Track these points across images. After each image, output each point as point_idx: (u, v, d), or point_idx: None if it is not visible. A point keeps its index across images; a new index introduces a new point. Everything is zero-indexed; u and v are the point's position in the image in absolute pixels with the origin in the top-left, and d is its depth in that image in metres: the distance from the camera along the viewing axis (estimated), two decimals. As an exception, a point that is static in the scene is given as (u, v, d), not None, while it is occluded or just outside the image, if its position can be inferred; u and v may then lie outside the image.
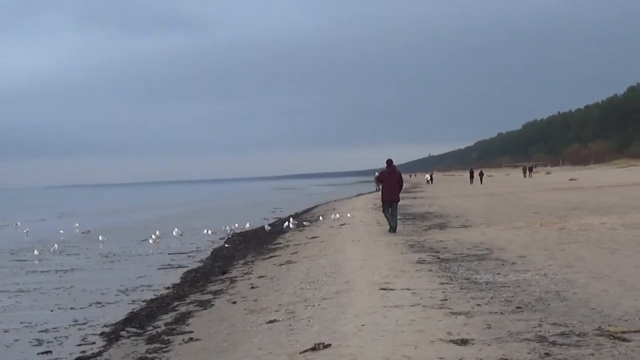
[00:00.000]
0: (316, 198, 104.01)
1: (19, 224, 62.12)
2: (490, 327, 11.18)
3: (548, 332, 10.79)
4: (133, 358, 13.95)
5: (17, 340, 16.71)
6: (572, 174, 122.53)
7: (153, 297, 21.86)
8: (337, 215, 45.72)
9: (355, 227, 35.06)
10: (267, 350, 11.41)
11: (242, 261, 28.15)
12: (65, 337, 16.79)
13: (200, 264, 29.52)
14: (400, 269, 18.36)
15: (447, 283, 15.90)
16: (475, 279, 16.45)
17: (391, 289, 15.21)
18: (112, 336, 16.35)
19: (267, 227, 43.83)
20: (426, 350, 9.86)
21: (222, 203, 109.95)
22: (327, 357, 9.97)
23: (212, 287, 21.88)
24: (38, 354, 15.33)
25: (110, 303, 21.20)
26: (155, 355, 13.85)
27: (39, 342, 16.29)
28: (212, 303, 18.84)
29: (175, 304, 19.86)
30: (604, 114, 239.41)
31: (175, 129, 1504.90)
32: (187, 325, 16.30)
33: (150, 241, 39.94)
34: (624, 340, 10.18)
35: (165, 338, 15.20)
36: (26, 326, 18.14)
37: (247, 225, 48.25)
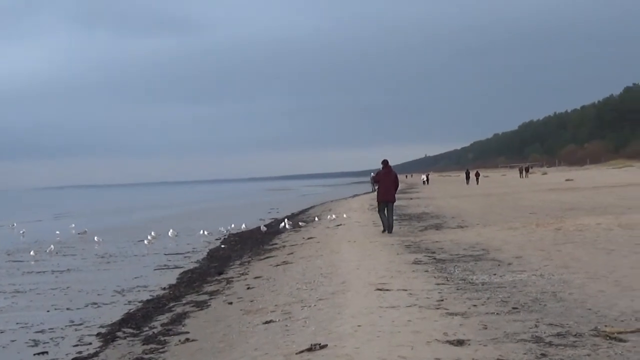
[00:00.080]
0: (312, 199, 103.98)
1: (15, 224, 62.15)
2: (486, 328, 11.19)
3: (544, 332, 10.80)
4: (129, 359, 13.94)
5: (13, 341, 16.69)
6: (568, 175, 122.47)
7: (149, 297, 21.84)
8: (333, 216, 45.71)
9: (352, 228, 35.07)
10: (264, 350, 11.42)
11: (238, 262, 28.15)
12: (62, 337, 16.76)
13: (196, 265, 29.49)
14: (397, 270, 18.36)
15: (443, 284, 15.92)
16: (472, 279, 16.46)
17: (387, 290, 15.22)
18: (109, 337, 16.32)
19: (263, 228, 43.77)
20: (422, 351, 9.87)
21: (219, 204, 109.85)
22: (324, 358, 9.98)
23: (209, 288, 21.88)
24: (34, 354, 15.30)
25: (107, 304, 21.18)
26: (152, 355, 13.84)
27: (35, 343, 16.27)
28: (209, 304, 18.84)
29: (172, 304, 19.85)
30: (600, 114, 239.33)
31: (175, 130, 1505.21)
32: (183, 326, 16.29)
33: (146, 242, 39.90)
34: (620, 340, 10.20)
35: (162, 339, 15.19)
36: (22, 327, 18.12)
37: (243, 226, 48.23)
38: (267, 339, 12.35)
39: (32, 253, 35.94)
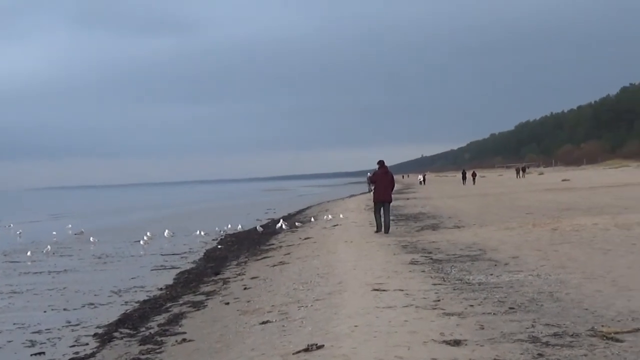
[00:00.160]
0: (309, 199, 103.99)
1: (12, 225, 62.16)
2: (483, 328, 11.19)
3: (541, 332, 10.81)
4: (126, 359, 13.95)
5: (10, 341, 16.69)
6: (565, 175, 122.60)
7: (146, 298, 21.84)
8: (330, 216, 45.69)
9: (348, 228, 35.08)
10: (260, 351, 11.42)
11: (235, 262, 28.15)
12: (59, 338, 16.76)
13: (193, 265, 29.49)
14: (393, 270, 18.37)
15: (440, 284, 15.92)
16: (468, 279, 16.47)
17: (384, 290, 15.22)
18: (105, 337, 16.33)
19: (259, 229, 43.78)
20: (419, 351, 9.87)
21: (217, 204, 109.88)
22: (320, 358, 9.98)
23: (205, 288, 21.88)
24: (31, 355, 15.31)
25: (103, 304, 21.18)
26: (149, 356, 13.84)
27: (32, 343, 16.27)
28: (205, 304, 18.84)
29: (168, 305, 19.85)
30: (597, 114, 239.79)
31: (174, 130, 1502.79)
32: (180, 326, 16.29)
33: (141, 242, 39.93)
34: (617, 340, 10.20)
35: (159, 339, 15.19)
36: (19, 327, 18.12)
37: (239, 226, 48.25)
38: (264, 339, 12.35)
39: (28, 254, 35.95)
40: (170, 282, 24.93)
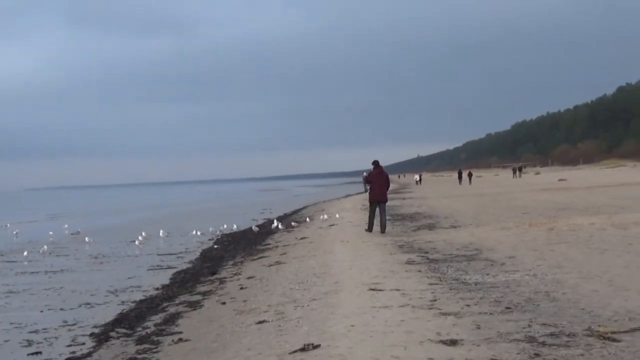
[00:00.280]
0: (305, 199, 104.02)
1: (8, 225, 62.14)
2: (479, 328, 11.20)
3: (537, 332, 10.81)
4: (123, 359, 13.95)
5: (7, 341, 16.68)
6: (562, 175, 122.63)
7: (142, 298, 21.83)
8: (326, 216, 45.71)
9: (344, 228, 35.07)
10: (257, 350, 11.42)
11: (231, 262, 28.14)
12: (55, 337, 16.76)
13: (189, 265, 29.48)
14: (389, 270, 18.37)
15: (436, 284, 15.93)
16: (465, 279, 16.48)
17: (380, 290, 15.23)
18: (102, 337, 16.33)
19: (255, 228, 43.76)
20: (415, 351, 9.87)
21: (214, 204, 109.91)
22: (317, 358, 9.98)
23: (202, 288, 21.87)
24: (28, 354, 15.30)
25: (100, 304, 21.17)
26: (145, 355, 13.84)
27: (29, 343, 16.27)
28: (202, 304, 18.84)
29: (165, 304, 19.85)
30: (593, 114, 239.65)
31: (174, 130, 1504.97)
32: (176, 326, 16.29)
33: (137, 242, 39.92)
34: (614, 340, 10.21)
35: (155, 339, 15.19)
36: (16, 327, 18.11)
37: (235, 226, 48.22)
38: (260, 339, 12.35)
39: (25, 253, 35.87)
40: (167, 281, 24.92)
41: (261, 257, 27.43)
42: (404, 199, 65.61)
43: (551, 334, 10.67)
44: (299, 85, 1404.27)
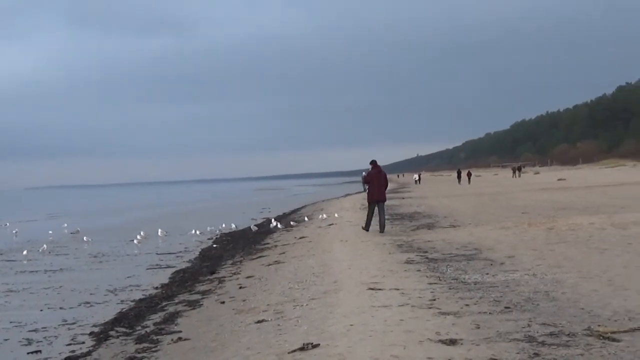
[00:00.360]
0: (303, 198, 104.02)
1: (7, 224, 62.20)
2: (479, 327, 11.19)
3: (537, 332, 10.81)
4: (122, 358, 13.95)
5: (6, 339, 16.70)
6: (561, 174, 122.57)
7: (142, 297, 21.84)
8: (325, 216, 45.70)
9: (343, 227, 35.07)
10: (256, 350, 11.41)
11: (230, 261, 28.15)
12: (55, 336, 16.78)
13: (188, 264, 29.50)
14: (389, 269, 18.37)
15: (435, 283, 15.93)
16: (464, 279, 16.47)
17: (379, 289, 15.22)
18: (101, 336, 16.34)
19: (254, 228, 43.78)
20: (415, 350, 9.87)
21: (212, 203, 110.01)
22: (316, 357, 9.98)
23: (201, 287, 21.88)
24: (28, 353, 15.33)
25: (99, 303, 21.19)
26: (144, 354, 13.85)
27: (29, 342, 16.29)
28: (201, 303, 18.84)
29: (164, 304, 19.86)
30: (593, 113, 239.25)
31: (173, 129, 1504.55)
32: (175, 325, 16.30)
33: (135, 242, 39.92)
34: (614, 340, 10.21)
35: (154, 338, 15.20)
36: (16, 326, 18.13)
37: (233, 225, 48.22)
38: (260, 338, 12.35)
39: (25, 252, 35.93)
40: (166, 281, 24.93)
41: (260, 257, 27.43)
42: (403, 198, 65.60)
43: (551, 334, 10.67)
44: (299, 85, 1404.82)
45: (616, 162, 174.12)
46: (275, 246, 30.96)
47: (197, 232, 44.19)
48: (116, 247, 38.97)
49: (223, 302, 18.03)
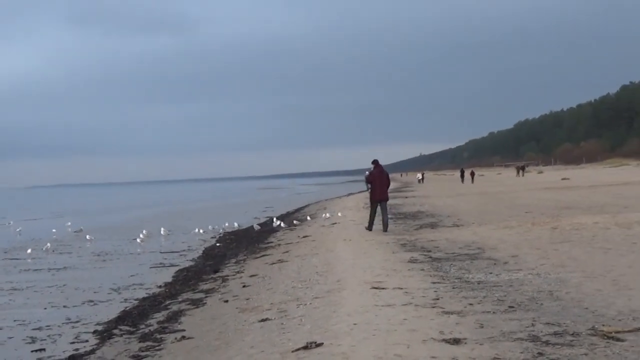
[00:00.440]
0: (307, 197, 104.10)
1: (11, 222, 62.25)
2: (482, 327, 11.19)
3: (541, 331, 10.80)
4: (126, 356, 13.96)
5: (10, 338, 16.73)
6: (565, 173, 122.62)
7: (145, 295, 21.86)
8: (328, 215, 45.70)
9: (347, 226, 35.06)
10: (260, 348, 11.41)
11: (233, 260, 28.15)
12: (59, 335, 16.80)
13: (192, 263, 29.52)
14: (392, 268, 18.36)
15: (439, 282, 15.92)
16: (468, 278, 16.46)
17: (383, 288, 15.21)
18: (105, 334, 16.36)
19: (257, 227, 43.79)
20: (418, 350, 9.86)
21: (215, 202, 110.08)
22: (319, 356, 9.97)
23: (204, 286, 21.88)
24: (32, 351, 15.35)
25: (103, 301, 21.21)
26: (148, 353, 13.85)
27: (33, 340, 16.31)
28: (204, 302, 18.84)
29: (168, 302, 19.86)
30: (597, 113, 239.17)
31: (173, 129, 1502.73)
32: (179, 324, 16.30)
33: (138, 240, 39.94)
34: (618, 340, 10.20)
35: (158, 336, 15.20)
36: (20, 324, 18.15)
37: (236, 224, 48.22)
38: (263, 337, 12.34)
39: (28, 251, 36.02)
40: (170, 279, 24.96)
41: (263, 255, 27.43)
42: (406, 197, 65.62)
43: (555, 333, 10.66)
44: (299, 85, 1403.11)
45: (620, 161, 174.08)
46: (279, 245, 30.96)
47: (200, 231, 44.25)
48: (119, 245, 39.01)
49: (227, 301, 18.03)
